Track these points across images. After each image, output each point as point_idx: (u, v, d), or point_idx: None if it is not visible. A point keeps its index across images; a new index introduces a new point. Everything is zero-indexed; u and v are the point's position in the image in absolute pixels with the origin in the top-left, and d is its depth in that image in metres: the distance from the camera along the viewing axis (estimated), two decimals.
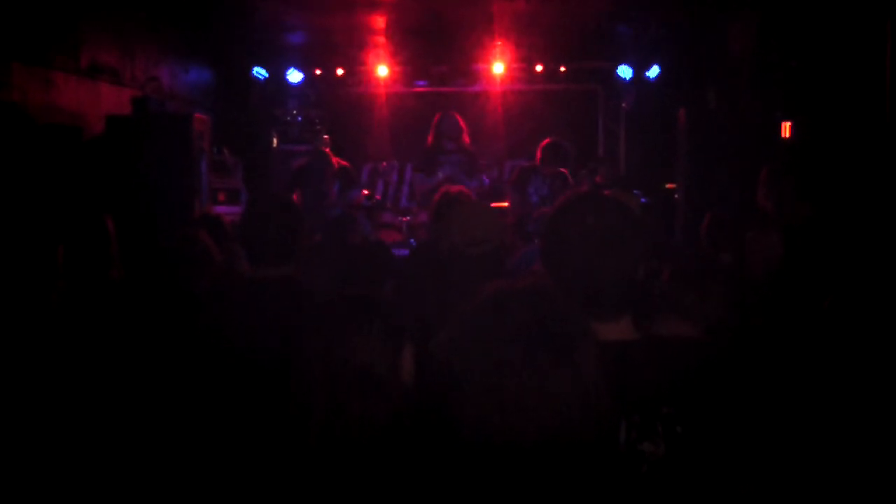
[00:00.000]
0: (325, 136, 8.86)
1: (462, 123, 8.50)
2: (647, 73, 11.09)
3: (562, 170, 8.08)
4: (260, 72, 11.27)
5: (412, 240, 9.34)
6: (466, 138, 8.50)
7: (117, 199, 6.10)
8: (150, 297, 3.30)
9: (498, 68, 11.10)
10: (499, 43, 10.57)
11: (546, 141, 8.12)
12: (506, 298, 1.54)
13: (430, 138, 8.54)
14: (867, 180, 5.42)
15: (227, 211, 8.35)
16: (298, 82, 11.44)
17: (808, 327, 2.72)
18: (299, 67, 11.30)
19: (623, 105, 12.06)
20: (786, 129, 7.49)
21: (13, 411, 2.44)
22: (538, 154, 8.07)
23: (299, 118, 11.99)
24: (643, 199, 9.49)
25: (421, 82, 11.65)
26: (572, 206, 1.93)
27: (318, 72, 11.43)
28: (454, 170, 8.03)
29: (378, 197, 10.67)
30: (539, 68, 11.25)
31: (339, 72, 11.36)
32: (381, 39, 10.42)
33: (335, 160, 8.62)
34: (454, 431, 1.52)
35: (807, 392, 2.46)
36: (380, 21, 9.65)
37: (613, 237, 1.86)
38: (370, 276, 5.38)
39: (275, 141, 11.90)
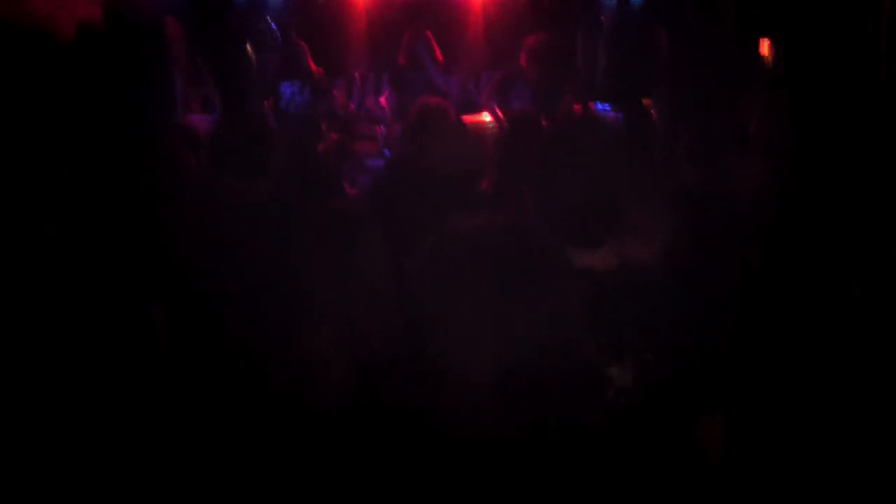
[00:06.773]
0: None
1: (433, 42, 8.26)
2: None
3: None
4: None
5: (386, 150, 9.26)
6: (439, 56, 8.30)
7: (91, 109, 5.99)
8: (122, 212, 3.25)
9: None
10: None
11: (531, 39, 7.12)
12: (483, 236, 1.54)
13: (400, 58, 8.37)
14: (853, 102, 5.39)
15: (200, 119, 8.25)
16: None
17: (788, 258, 2.73)
18: None
19: (602, 18, 11.88)
20: (764, 46, 7.43)
21: None
22: (522, 55, 7.24)
23: (274, 26, 11.76)
24: (618, 115, 9.40)
25: None
26: (562, 133, 1.91)
27: None
28: (426, 89, 7.82)
29: (352, 107, 10.53)
30: None
31: None
32: None
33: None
34: (427, 362, 1.53)
35: (784, 324, 2.47)
36: None
37: (602, 164, 1.84)
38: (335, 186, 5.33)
39: (249, 49, 11.67)
